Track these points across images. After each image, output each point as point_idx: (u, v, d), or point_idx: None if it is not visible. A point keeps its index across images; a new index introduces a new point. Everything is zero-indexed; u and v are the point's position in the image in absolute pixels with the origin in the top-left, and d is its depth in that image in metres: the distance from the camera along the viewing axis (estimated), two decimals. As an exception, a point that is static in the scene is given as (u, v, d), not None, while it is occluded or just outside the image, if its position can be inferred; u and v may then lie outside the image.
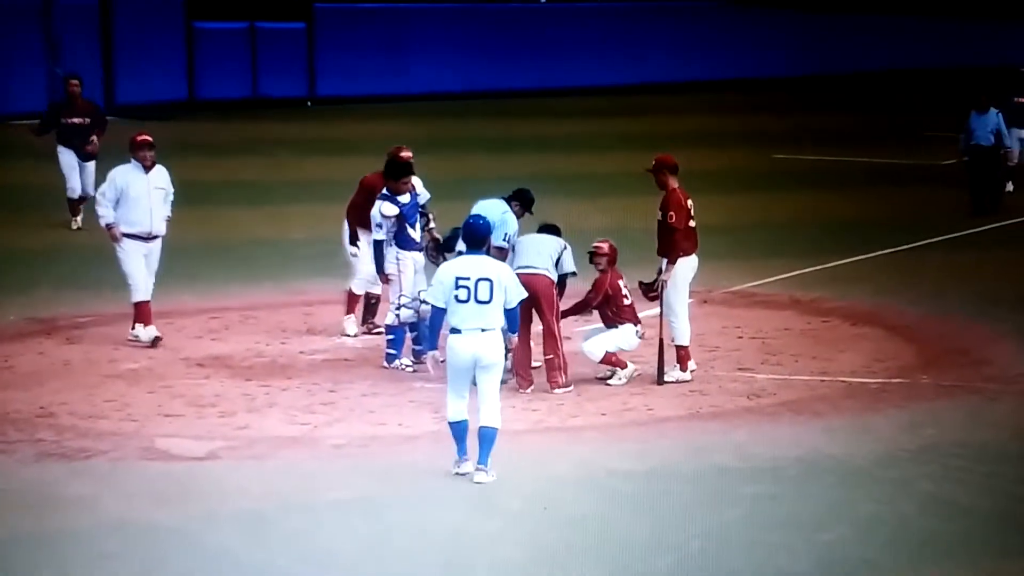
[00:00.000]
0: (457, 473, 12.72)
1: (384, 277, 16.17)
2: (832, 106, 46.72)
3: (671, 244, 15.54)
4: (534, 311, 15.41)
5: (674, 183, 15.71)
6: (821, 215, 23.22)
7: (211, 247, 23.49)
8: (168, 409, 14.74)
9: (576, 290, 16.12)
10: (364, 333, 17.57)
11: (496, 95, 46.63)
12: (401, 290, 16.04)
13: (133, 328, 17.06)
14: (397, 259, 16.08)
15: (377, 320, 17.18)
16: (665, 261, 15.63)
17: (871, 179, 30.63)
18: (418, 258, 16.23)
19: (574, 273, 15.79)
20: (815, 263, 21.70)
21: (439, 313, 12.67)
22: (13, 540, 11.38)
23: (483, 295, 12.48)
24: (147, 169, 16.92)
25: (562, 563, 11.05)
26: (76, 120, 23.99)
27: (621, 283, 15.75)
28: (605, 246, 15.80)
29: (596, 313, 15.95)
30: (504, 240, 15.50)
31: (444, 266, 13.24)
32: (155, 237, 17.07)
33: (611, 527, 11.69)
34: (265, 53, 44.19)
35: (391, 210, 15.97)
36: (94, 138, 23.99)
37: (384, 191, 16.11)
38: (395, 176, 16.10)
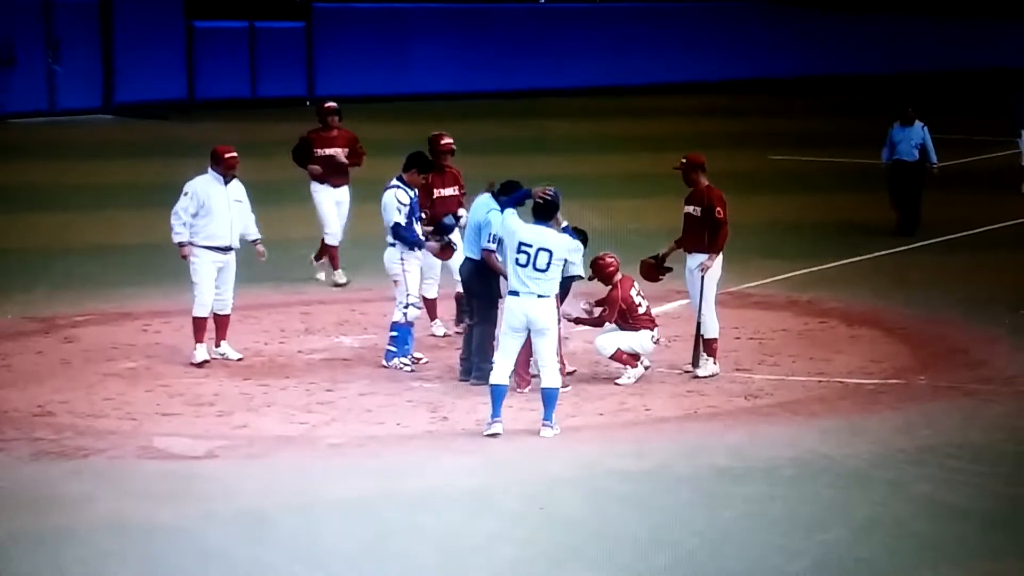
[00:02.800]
0: (487, 434, 13.73)
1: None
2: (828, 108, 46.74)
3: (717, 237, 15.85)
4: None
5: (705, 180, 15.98)
6: (818, 216, 23.27)
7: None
8: (166, 408, 14.77)
9: (582, 290, 16.19)
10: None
11: (495, 95, 46.64)
12: (408, 290, 16.13)
13: (200, 343, 16.35)
14: (402, 259, 16.18)
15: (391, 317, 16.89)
16: (701, 256, 15.88)
17: (867, 181, 30.62)
18: (419, 256, 16.36)
19: (581, 276, 15.84)
20: (812, 264, 21.74)
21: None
22: (11, 539, 11.40)
23: (541, 264, 13.62)
24: (226, 181, 16.46)
25: (559, 563, 11.08)
26: (333, 152, 20.16)
27: (633, 292, 15.79)
28: (611, 260, 15.86)
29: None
30: (490, 240, 15.48)
31: (516, 224, 14.10)
32: (231, 250, 16.52)
33: (608, 527, 11.73)
34: (264, 53, 44.21)
35: (405, 198, 16.14)
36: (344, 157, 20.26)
37: (397, 180, 16.25)
38: (423, 169, 16.44)
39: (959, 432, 14.17)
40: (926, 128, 24.37)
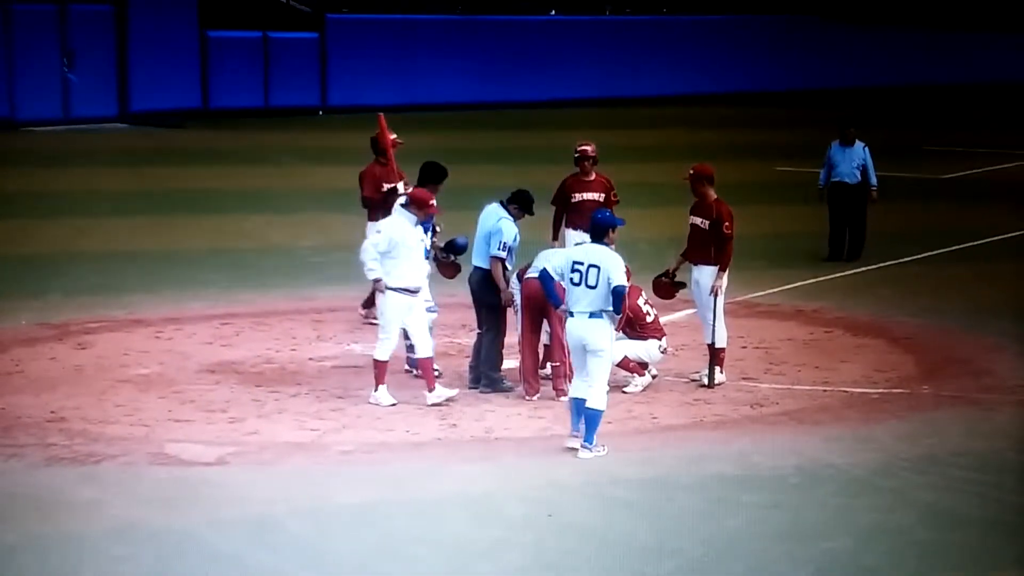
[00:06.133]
0: (567, 447, 13.62)
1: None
2: (836, 120, 46.75)
3: (725, 253, 15.94)
4: (543, 318, 15.58)
5: (713, 193, 16.06)
6: (824, 227, 23.28)
7: (222, 254, 23.62)
8: (178, 414, 14.84)
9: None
10: (364, 317, 18.29)
11: (505, 106, 46.74)
12: (426, 296, 16.18)
13: (376, 390, 15.39)
14: None
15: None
16: (708, 268, 15.99)
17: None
18: (432, 264, 16.43)
19: None
20: (818, 274, 21.83)
21: (548, 277, 14.08)
22: (23, 544, 11.47)
23: (591, 280, 13.60)
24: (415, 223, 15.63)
25: (565, 569, 11.14)
26: (589, 197, 18.06)
27: (640, 301, 15.87)
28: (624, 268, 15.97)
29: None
30: (500, 249, 15.56)
31: (564, 250, 14.61)
32: (419, 291, 15.60)
33: (614, 534, 11.79)
34: (277, 62, 44.33)
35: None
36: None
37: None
38: (426, 181, 16.33)
39: (963, 441, 14.23)
40: (867, 149, 23.03)
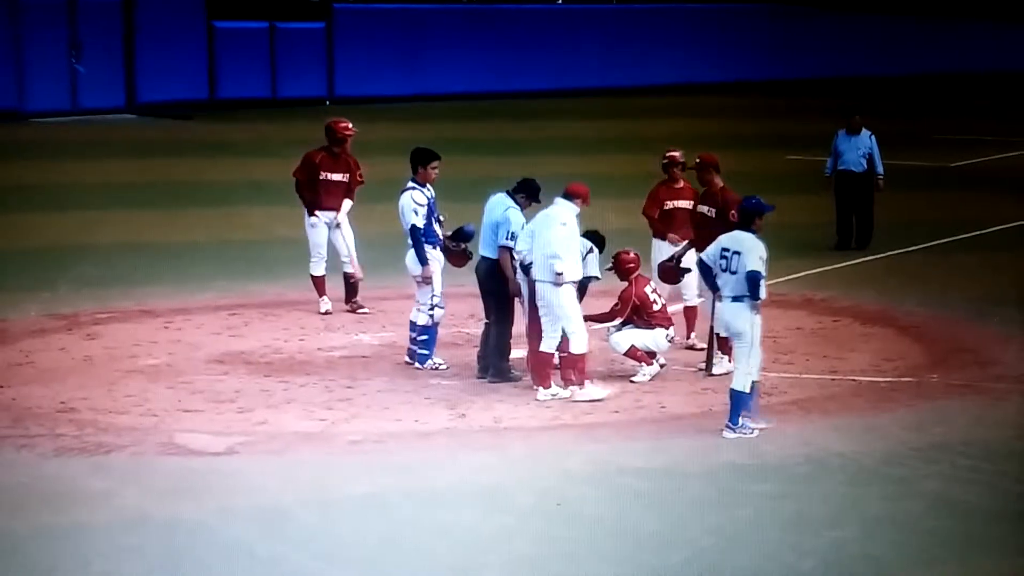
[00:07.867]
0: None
1: (425, 270, 16.09)
2: (847, 109, 46.71)
3: None
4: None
5: (719, 181, 16.10)
6: (832, 216, 23.29)
7: (230, 245, 23.65)
8: (187, 404, 14.87)
9: (600, 289, 16.32)
10: (351, 311, 18.67)
11: (512, 96, 46.73)
12: (433, 290, 16.18)
13: (582, 386, 15.14)
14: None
15: (413, 318, 16.45)
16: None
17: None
18: (440, 257, 16.39)
19: (597, 278, 15.92)
20: (826, 263, 21.84)
21: (706, 267, 14.27)
22: (33, 534, 11.51)
23: (733, 266, 13.89)
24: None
25: (574, 558, 11.16)
26: (682, 205, 17.31)
27: (648, 289, 15.89)
28: (633, 256, 15.99)
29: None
30: (507, 238, 15.50)
31: (719, 240, 14.42)
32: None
33: (623, 523, 11.81)
34: (284, 53, 44.32)
35: (422, 198, 16.15)
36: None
37: (412, 181, 16.25)
38: (424, 163, 16.27)
39: (971, 430, 14.23)
40: (874, 137, 23.03)
